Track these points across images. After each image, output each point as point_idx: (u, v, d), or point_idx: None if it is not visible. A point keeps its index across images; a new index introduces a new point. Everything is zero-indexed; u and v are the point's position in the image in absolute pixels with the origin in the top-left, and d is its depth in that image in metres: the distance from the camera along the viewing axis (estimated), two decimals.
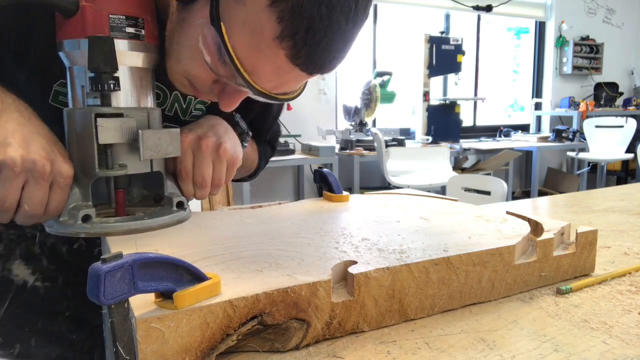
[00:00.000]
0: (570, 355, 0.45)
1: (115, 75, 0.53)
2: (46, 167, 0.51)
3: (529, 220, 0.69)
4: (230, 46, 0.51)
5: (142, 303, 0.41)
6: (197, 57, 0.56)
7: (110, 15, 0.54)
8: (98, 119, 0.52)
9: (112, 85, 0.53)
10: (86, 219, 0.53)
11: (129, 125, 0.54)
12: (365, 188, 4.13)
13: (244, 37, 0.51)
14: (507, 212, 0.74)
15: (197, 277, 0.41)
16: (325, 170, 0.88)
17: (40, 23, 0.60)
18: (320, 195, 0.90)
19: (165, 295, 0.40)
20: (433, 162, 3.86)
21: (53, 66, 0.61)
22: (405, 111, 4.88)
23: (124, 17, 0.55)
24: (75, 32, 0.54)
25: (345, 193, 0.86)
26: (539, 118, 5.74)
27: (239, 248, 0.57)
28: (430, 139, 4.37)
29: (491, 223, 0.68)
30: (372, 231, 0.65)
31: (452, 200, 0.85)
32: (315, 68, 0.55)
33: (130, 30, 0.56)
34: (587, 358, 0.45)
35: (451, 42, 4.46)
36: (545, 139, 4.92)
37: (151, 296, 0.41)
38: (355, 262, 0.51)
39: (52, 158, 0.53)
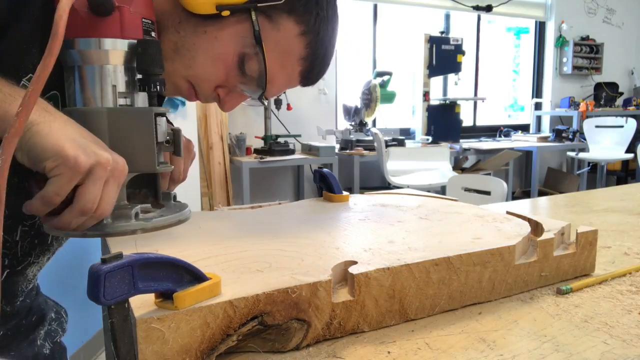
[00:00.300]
0: (571, 356, 0.45)
1: (162, 77, 0.55)
2: (125, 165, 0.51)
3: (529, 220, 0.69)
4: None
5: (142, 303, 0.41)
6: (217, 65, 0.64)
7: (143, 19, 0.55)
8: (157, 117, 0.54)
9: (162, 87, 0.55)
10: (137, 215, 0.53)
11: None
12: (365, 188, 4.13)
13: (275, 55, 0.64)
14: (508, 212, 0.74)
15: (197, 277, 0.41)
16: (325, 170, 0.88)
17: (28, 16, 0.57)
18: (320, 195, 0.90)
19: (166, 296, 0.40)
20: (433, 162, 3.86)
21: (26, 59, 0.59)
22: (405, 111, 4.88)
23: (150, 22, 0.57)
24: (107, 32, 0.54)
25: (345, 193, 0.86)
26: (539, 118, 5.74)
27: (239, 248, 0.57)
28: (430, 139, 4.37)
29: (491, 223, 0.68)
30: (372, 231, 0.65)
31: (452, 200, 0.85)
32: (312, 83, 0.71)
33: (154, 34, 0.58)
34: (588, 358, 0.45)
35: (451, 42, 4.46)
36: (545, 139, 4.91)
37: (151, 296, 0.41)
38: (355, 263, 0.51)
39: (119, 156, 0.52)
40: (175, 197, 0.63)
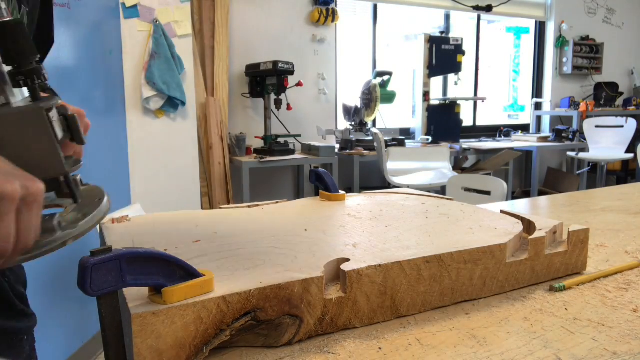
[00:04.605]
0: (559, 352, 0.46)
1: (35, 65, 0.44)
2: (40, 186, 0.42)
3: (522, 219, 0.69)
4: None
5: (138, 297, 0.41)
6: None
7: None
8: (48, 113, 0.44)
9: (43, 77, 0.45)
10: (60, 225, 0.45)
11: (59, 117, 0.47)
12: (365, 188, 4.13)
13: None
14: (501, 211, 0.75)
15: (189, 273, 0.42)
16: (321, 170, 0.89)
17: None
18: (317, 194, 0.91)
19: (159, 290, 0.41)
20: (433, 162, 3.86)
21: None
22: (405, 111, 4.88)
23: None
24: None
25: (341, 192, 0.87)
26: (539, 118, 5.74)
27: (235, 246, 0.58)
28: (430, 139, 4.38)
29: (484, 222, 0.69)
30: (366, 230, 0.65)
31: (447, 199, 0.86)
32: None
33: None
34: (576, 354, 0.46)
35: (451, 42, 4.46)
36: (545, 139, 4.92)
37: (147, 292, 0.42)
38: (348, 260, 0.51)
39: (31, 178, 0.42)
40: (81, 181, 0.52)
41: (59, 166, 0.45)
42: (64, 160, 0.45)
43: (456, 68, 4.55)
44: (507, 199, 2.50)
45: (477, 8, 4.95)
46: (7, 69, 0.43)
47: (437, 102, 4.64)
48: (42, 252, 0.44)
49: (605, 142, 4.90)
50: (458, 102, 4.62)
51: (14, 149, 0.43)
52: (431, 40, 4.41)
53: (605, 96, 5.71)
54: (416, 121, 4.66)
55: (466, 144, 4.54)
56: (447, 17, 5.14)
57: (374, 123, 4.42)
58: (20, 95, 0.45)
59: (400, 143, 4.04)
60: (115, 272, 0.36)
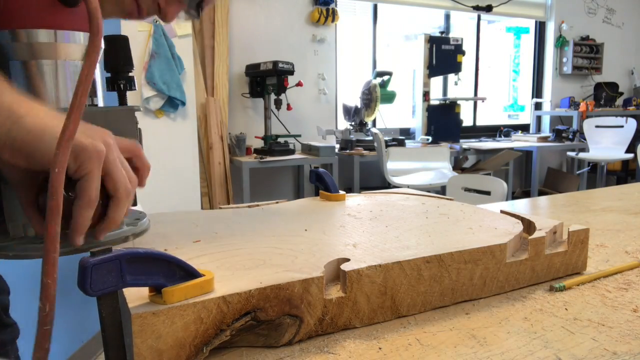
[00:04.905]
0: (559, 352, 0.46)
1: (131, 74, 0.53)
2: (111, 140, 0.46)
3: (522, 219, 0.69)
4: None
5: (138, 297, 0.41)
6: None
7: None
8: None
9: (132, 86, 0.53)
10: (122, 222, 0.49)
11: None
12: (365, 188, 4.13)
13: None
14: (502, 211, 0.75)
15: (190, 273, 0.42)
16: (321, 170, 0.89)
17: None
18: (317, 195, 0.91)
19: (159, 290, 0.41)
20: (433, 162, 3.86)
21: None
22: (405, 111, 4.88)
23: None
24: (72, 24, 0.47)
25: (341, 192, 0.87)
26: (539, 118, 5.74)
27: (235, 246, 0.58)
28: (430, 139, 4.38)
29: (485, 222, 0.69)
30: (366, 230, 0.65)
31: (447, 199, 0.86)
32: None
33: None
34: (576, 354, 0.46)
35: (451, 42, 4.46)
36: (545, 139, 4.92)
37: (147, 292, 0.42)
38: (348, 260, 0.51)
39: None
40: None
41: None
42: None
43: (456, 68, 4.55)
44: (507, 199, 2.50)
45: (477, 8, 4.95)
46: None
47: (437, 102, 4.64)
48: (109, 240, 0.46)
49: (605, 142, 4.90)
50: (458, 102, 4.62)
51: None
52: (431, 40, 4.41)
53: (605, 96, 5.71)
54: (416, 121, 4.66)
55: (466, 144, 4.54)
56: (447, 17, 5.14)
57: (374, 123, 4.42)
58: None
59: (400, 143, 4.04)
60: (115, 272, 0.36)
